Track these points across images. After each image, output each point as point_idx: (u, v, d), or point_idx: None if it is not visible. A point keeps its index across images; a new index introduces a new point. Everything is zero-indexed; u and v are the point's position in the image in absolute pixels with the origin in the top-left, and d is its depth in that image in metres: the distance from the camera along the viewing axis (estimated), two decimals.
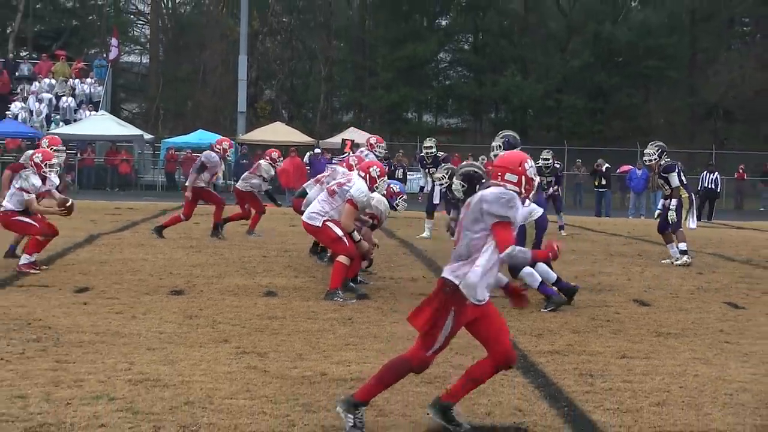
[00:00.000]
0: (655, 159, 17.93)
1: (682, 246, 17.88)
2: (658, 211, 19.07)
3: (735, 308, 12.44)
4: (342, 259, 12.96)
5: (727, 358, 9.09)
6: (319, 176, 16.36)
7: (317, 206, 13.46)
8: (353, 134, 44.72)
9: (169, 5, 73.35)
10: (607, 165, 39.23)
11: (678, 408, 7.23)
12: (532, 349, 9.20)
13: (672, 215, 17.68)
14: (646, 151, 18.33)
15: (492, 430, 6.55)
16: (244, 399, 7.13)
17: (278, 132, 49.29)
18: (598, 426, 6.68)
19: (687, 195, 18.13)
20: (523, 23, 68.40)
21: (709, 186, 36.91)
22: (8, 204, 14.24)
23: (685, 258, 17.70)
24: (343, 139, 41.58)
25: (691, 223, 18.68)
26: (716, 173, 38.02)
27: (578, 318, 11.17)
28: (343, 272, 12.98)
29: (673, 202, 17.67)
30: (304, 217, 13.71)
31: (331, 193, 13.56)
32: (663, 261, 18.15)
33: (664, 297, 13.27)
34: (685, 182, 18.03)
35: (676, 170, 17.77)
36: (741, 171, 47.54)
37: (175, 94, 65.05)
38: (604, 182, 38.93)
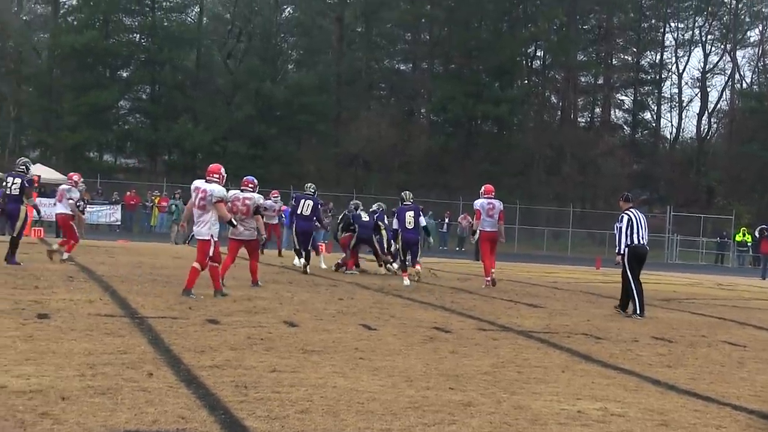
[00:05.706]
0: None
1: None
2: None
3: (368, 330, 12.74)
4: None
5: (362, 372, 9.28)
6: None
7: None
8: (40, 170, 43.31)
9: None
10: None
11: (319, 415, 7.32)
12: (195, 364, 9.11)
13: None
14: None
15: None
16: None
17: None
18: (249, 431, 6.68)
19: None
20: (195, 78, 68.50)
21: None
22: None
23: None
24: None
25: None
26: None
27: (235, 337, 11.16)
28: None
29: None
30: None
31: None
32: None
33: (310, 319, 13.45)
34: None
35: None
36: None
37: None
38: None
